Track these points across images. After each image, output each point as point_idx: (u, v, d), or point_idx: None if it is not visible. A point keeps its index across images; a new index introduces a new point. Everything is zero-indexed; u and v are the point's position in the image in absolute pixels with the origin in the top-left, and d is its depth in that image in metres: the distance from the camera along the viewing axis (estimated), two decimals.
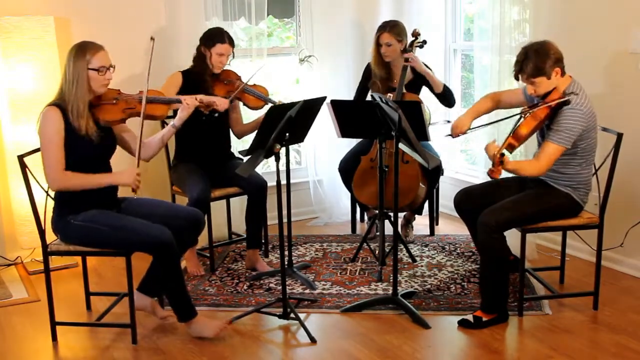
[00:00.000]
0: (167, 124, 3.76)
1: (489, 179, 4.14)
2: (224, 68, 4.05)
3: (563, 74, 3.17)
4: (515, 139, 3.09)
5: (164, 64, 4.23)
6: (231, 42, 3.99)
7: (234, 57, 4.09)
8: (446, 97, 4.35)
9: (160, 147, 3.41)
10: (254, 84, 4.09)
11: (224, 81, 4.05)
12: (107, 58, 3.09)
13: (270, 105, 3.99)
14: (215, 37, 3.97)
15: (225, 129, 4.18)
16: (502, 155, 2.96)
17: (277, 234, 3.61)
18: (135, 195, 3.22)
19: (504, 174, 4.13)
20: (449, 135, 3.51)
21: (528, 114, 3.11)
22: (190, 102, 3.41)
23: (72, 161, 3.04)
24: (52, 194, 3.19)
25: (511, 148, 3.09)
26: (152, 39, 3.26)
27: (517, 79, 3.21)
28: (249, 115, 4.30)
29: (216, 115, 3.88)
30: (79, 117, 3.02)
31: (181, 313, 3.15)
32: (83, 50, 3.04)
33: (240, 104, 4.15)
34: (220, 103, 3.78)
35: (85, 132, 3.03)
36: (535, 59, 3.08)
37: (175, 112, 3.62)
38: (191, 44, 4.11)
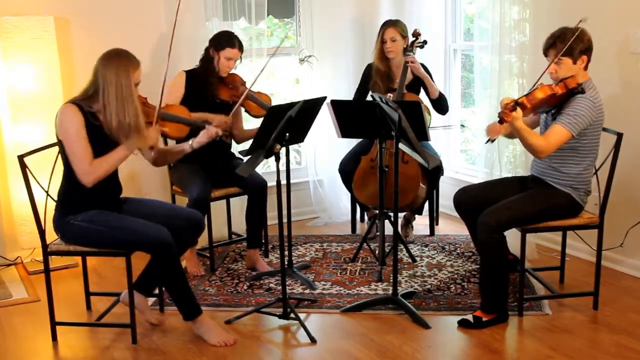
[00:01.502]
0: None
1: (489, 178, 4.18)
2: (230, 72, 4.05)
3: (587, 66, 3.22)
4: (529, 99, 3.13)
5: (164, 64, 4.21)
6: (241, 48, 3.98)
7: (241, 61, 4.08)
8: (440, 104, 4.37)
9: (173, 159, 3.43)
10: (258, 92, 4.08)
11: (228, 85, 4.03)
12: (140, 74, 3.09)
13: None
14: (225, 40, 3.95)
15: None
16: (516, 104, 3.05)
17: (277, 234, 3.61)
18: (153, 152, 3.21)
19: (505, 173, 4.16)
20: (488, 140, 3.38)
21: (545, 84, 3.19)
22: (213, 132, 3.38)
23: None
24: (52, 194, 3.19)
25: (522, 107, 3.11)
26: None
27: (545, 54, 3.26)
28: (247, 118, 4.29)
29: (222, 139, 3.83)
30: (124, 131, 2.98)
31: (185, 312, 3.15)
32: (130, 62, 3.01)
33: (242, 109, 4.14)
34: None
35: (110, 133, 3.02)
36: (570, 39, 3.14)
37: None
38: (191, 44, 4.11)
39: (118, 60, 3.00)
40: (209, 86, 3.97)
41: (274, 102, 4.17)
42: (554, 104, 3.22)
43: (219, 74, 3.99)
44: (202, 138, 3.38)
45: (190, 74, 4.02)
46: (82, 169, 2.97)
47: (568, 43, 3.12)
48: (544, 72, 3.21)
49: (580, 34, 3.16)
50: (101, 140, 3.01)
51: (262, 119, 4.03)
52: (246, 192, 4.04)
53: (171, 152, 3.42)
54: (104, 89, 2.97)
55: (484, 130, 3.27)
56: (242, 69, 4.26)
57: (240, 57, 4.03)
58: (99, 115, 3.01)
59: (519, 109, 3.06)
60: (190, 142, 3.38)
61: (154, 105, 3.22)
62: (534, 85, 3.23)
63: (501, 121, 3.08)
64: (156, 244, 3.01)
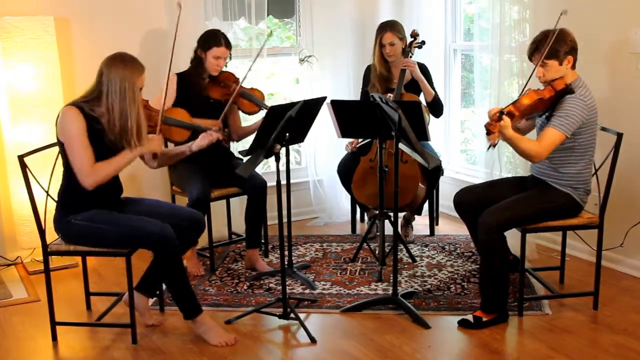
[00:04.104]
0: None
1: (489, 178, 4.18)
2: (222, 70, 4.05)
3: (574, 66, 3.22)
4: (516, 107, 3.13)
5: (163, 63, 4.21)
6: (228, 45, 3.98)
7: (230, 59, 4.08)
8: (435, 107, 4.37)
9: (172, 161, 3.45)
10: (251, 88, 4.08)
11: (220, 84, 4.03)
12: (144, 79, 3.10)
13: (264, 111, 3.99)
14: (212, 40, 3.95)
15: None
16: (502, 114, 3.03)
17: (277, 234, 3.61)
18: (156, 159, 3.24)
19: (505, 173, 4.17)
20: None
21: (532, 89, 3.20)
22: (215, 137, 3.37)
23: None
24: (52, 193, 3.19)
25: (511, 116, 3.11)
26: (179, 4, 3.19)
27: (530, 59, 3.27)
28: (245, 117, 4.29)
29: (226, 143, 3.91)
30: (127, 135, 3.00)
31: (185, 310, 3.15)
32: (136, 67, 3.02)
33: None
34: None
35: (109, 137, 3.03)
36: (553, 42, 3.14)
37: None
38: (191, 44, 4.10)
39: (124, 65, 3.00)
40: (200, 86, 3.97)
41: (274, 102, 4.17)
42: (545, 108, 3.22)
43: (210, 73, 3.99)
44: (202, 141, 3.37)
45: (181, 76, 4.02)
46: (83, 172, 2.97)
47: (550, 44, 3.12)
48: (530, 76, 3.22)
49: (562, 35, 3.16)
50: (102, 145, 3.01)
51: (255, 115, 4.07)
52: (246, 192, 4.03)
53: (170, 154, 3.41)
54: (109, 93, 2.97)
55: (484, 137, 3.27)
56: (243, 69, 4.27)
57: (230, 55, 4.03)
58: (101, 119, 3.01)
59: (506, 118, 3.04)
60: (190, 144, 3.38)
61: (156, 108, 3.22)
62: (521, 92, 3.24)
63: (488, 133, 3.07)
64: (158, 239, 3.00)
